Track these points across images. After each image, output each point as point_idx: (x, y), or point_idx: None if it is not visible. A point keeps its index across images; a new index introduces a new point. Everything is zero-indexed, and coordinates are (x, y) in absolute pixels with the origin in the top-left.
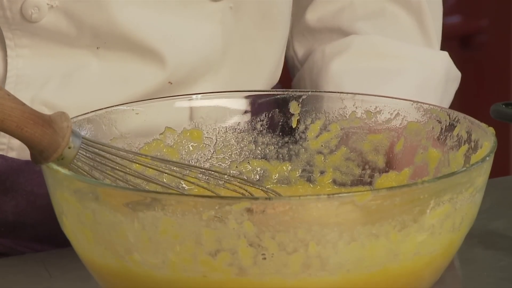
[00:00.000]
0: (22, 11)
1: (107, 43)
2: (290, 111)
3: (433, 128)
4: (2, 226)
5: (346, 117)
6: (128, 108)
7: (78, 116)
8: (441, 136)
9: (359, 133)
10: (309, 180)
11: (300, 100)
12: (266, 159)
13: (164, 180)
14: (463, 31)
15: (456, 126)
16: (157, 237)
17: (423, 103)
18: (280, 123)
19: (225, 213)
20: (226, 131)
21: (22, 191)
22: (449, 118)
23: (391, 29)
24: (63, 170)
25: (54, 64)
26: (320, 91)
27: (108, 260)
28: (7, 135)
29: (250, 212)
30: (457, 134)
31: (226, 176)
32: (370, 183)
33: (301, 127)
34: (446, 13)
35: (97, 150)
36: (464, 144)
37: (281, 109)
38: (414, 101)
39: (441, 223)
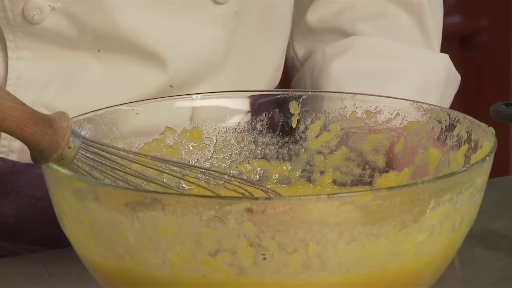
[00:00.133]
0: (23, 13)
1: (108, 46)
2: (290, 111)
3: (433, 128)
4: (2, 229)
5: (346, 117)
6: (128, 108)
7: (78, 116)
8: (441, 136)
9: (359, 133)
10: (309, 180)
11: (300, 100)
12: (266, 159)
13: (164, 180)
14: (463, 31)
15: (456, 126)
16: (157, 237)
17: (423, 103)
18: (280, 123)
19: (225, 213)
20: (226, 131)
21: (23, 194)
22: (449, 118)
23: (392, 30)
24: (63, 170)
25: (55, 66)
26: (320, 91)
27: (108, 260)
28: (8, 138)
29: (250, 212)
30: (457, 134)
31: (226, 176)
32: (370, 183)
33: (301, 127)
34: (446, 13)
35: (97, 150)
36: (464, 144)
37: (281, 109)
38: (414, 101)
39: (441, 223)
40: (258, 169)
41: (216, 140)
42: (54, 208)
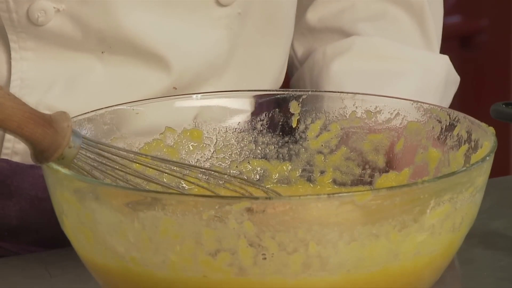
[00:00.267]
0: (28, 14)
1: (112, 48)
2: (290, 110)
3: (433, 128)
4: (6, 231)
5: (346, 116)
6: (129, 108)
7: (78, 115)
8: (441, 136)
9: (359, 133)
10: (309, 180)
11: (300, 100)
12: (266, 158)
13: (164, 180)
14: (463, 31)
15: (456, 126)
16: (157, 237)
17: (423, 102)
18: (280, 123)
19: (225, 213)
20: (226, 131)
21: (26, 195)
22: (449, 118)
23: (392, 31)
24: (63, 170)
25: (58, 67)
26: (320, 91)
27: (108, 260)
28: (12, 140)
29: (250, 212)
30: (457, 134)
31: (226, 176)
32: (370, 183)
33: (301, 127)
34: (446, 13)
35: (97, 150)
36: (464, 143)
37: (281, 108)
38: (414, 101)
39: (441, 223)
40: (258, 169)
41: (216, 140)
42: (54, 208)
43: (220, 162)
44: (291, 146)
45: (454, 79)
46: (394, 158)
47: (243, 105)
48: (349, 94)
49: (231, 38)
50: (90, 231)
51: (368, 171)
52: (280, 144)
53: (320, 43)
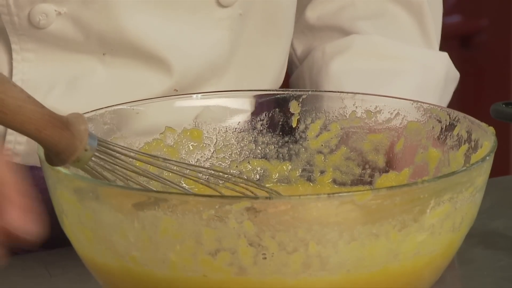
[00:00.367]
0: (29, 18)
1: (113, 50)
2: (290, 110)
3: (433, 127)
4: None
5: (346, 116)
6: (129, 107)
7: None
8: (441, 136)
9: (359, 133)
10: (309, 179)
11: (300, 100)
12: (266, 158)
13: (183, 183)
14: (463, 30)
15: (456, 125)
16: (157, 237)
17: (423, 102)
18: (280, 123)
19: (225, 213)
20: (226, 131)
21: None
22: (449, 118)
23: (391, 29)
24: (64, 170)
25: (59, 69)
26: (320, 91)
27: (108, 260)
28: (13, 141)
29: (250, 211)
30: (457, 133)
31: (226, 175)
32: (370, 183)
33: (301, 127)
34: (446, 12)
35: (111, 152)
36: (464, 143)
37: (281, 108)
38: (414, 101)
39: (441, 223)
40: (258, 168)
41: (216, 139)
42: (55, 207)
43: (220, 162)
44: (291, 146)
45: (453, 76)
46: (394, 158)
47: (243, 105)
48: (349, 94)
49: (232, 38)
50: (90, 231)
51: (368, 171)
52: (280, 144)
53: (319, 41)
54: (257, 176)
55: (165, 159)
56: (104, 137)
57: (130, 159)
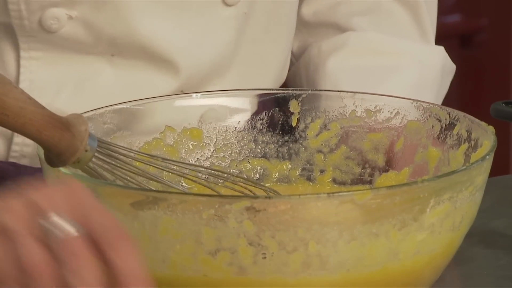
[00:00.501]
0: (41, 22)
1: (122, 52)
2: (290, 109)
3: (433, 126)
4: None
5: (346, 115)
6: (129, 106)
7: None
8: (441, 135)
9: (359, 132)
10: (309, 179)
11: (300, 99)
12: (266, 158)
13: (183, 183)
14: (463, 30)
15: (456, 124)
16: (157, 236)
17: (423, 102)
18: (280, 122)
19: (225, 212)
20: (226, 130)
21: None
22: (449, 117)
23: (387, 24)
24: (63, 169)
25: (67, 70)
26: (320, 90)
27: None
28: (20, 143)
29: (250, 211)
30: (457, 132)
31: (225, 175)
32: (370, 182)
33: (301, 126)
34: (446, 12)
35: (111, 152)
36: (464, 142)
37: (281, 107)
38: (414, 100)
39: (441, 222)
40: (258, 168)
41: (216, 139)
42: None
43: (220, 161)
44: (291, 145)
45: (450, 69)
46: (394, 157)
47: (243, 104)
48: (349, 93)
49: (237, 38)
50: None
51: (368, 170)
52: (280, 143)
53: (315, 37)
54: (257, 175)
55: (164, 159)
56: (103, 136)
57: (130, 160)
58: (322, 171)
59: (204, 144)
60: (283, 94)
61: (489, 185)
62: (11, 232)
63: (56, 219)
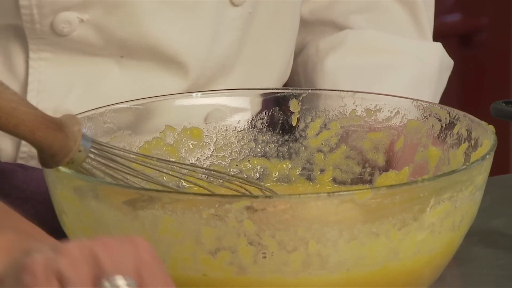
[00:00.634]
0: (52, 26)
1: (132, 53)
2: (290, 109)
3: (433, 126)
4: None
5: (346, 115)
6: (129, 106)
7: (78, 114)
8: (441, 134)
9: (359, 131)
10: (309, 178)
11: (300, 98)
12: (266, 157)
13: (183, 184)
14: (463, 29)
15: (456, 124)
16: (157, 236)
17: (423, 101)
18: (280, 121)
19: (225, 212)
20: (226, 129)
21: (42, 199)
22: (449, 116)
23: (384, 21)
24: (63, 169)
25: (76, 71)
26: (320, 89)
27: None
28: (28, 144)
29: (250, 210)
30: (457, 132)
31: (223, 174)
32: (370, 181)
33: (301, 125)
34: (446, 11)
35: (105, 153)
36: (464, 142)
37: (281, 107)
38: (414, 99)
39: (441, 222)
40: (258, 167)
41: (216, 138)
42: (54, 206)
43: (220, 161)
44: (291, 144)
45: (447, 65)
46: (394, 157)
47: (243, 104)
48: (349, 93)
49: (242, 38)
50: (90, 230)
51: (368, 170)
52: (280, 142)
53: (312, 36)
54: (257, 175)
55: (159, 159)
56: (103, 136)
57: (125, 160)
58: (322, 171)
59: (204, 144)
60: (283, 94)
61: (489, 184)
62: (66, 281)
63: (121, 283)
